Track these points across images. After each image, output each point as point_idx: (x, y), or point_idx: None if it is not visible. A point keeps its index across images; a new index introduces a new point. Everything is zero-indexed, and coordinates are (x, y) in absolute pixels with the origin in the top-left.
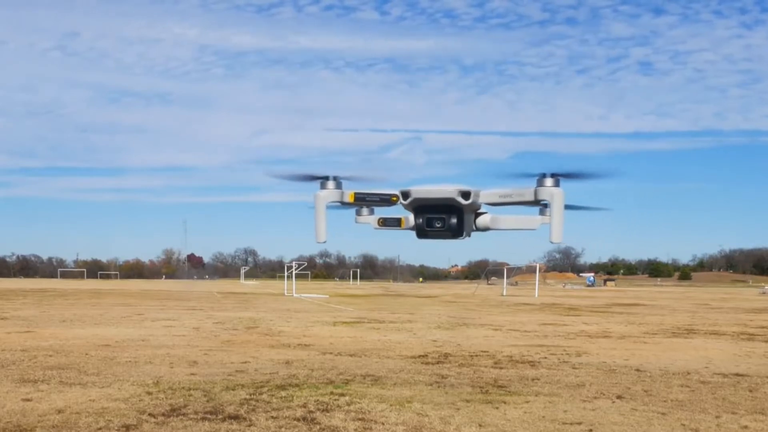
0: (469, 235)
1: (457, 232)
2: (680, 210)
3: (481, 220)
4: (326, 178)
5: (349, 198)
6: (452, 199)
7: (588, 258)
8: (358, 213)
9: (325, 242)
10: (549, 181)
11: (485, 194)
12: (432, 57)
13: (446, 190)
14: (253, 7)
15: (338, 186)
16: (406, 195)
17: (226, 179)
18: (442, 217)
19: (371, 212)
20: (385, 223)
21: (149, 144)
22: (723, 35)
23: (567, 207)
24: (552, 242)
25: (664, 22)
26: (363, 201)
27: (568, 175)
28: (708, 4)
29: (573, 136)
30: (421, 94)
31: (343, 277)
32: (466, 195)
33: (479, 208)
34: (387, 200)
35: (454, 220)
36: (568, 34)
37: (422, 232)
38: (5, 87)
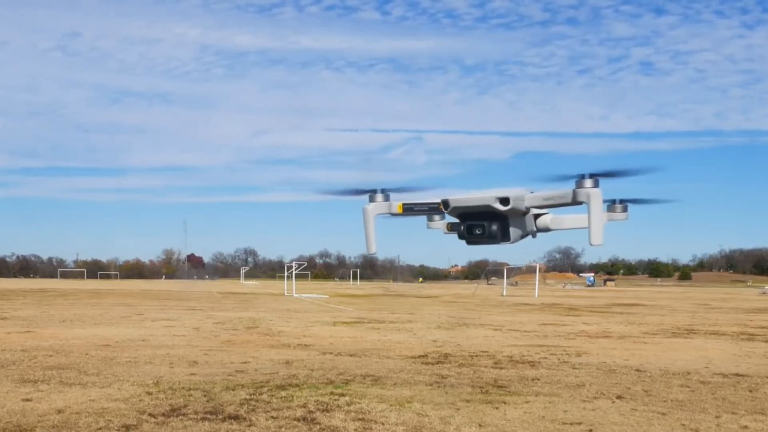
0: (534, 236)
1: (498, 238)
2: (680, 210)
3: (542, 221)
4: (374, 191)
5: (397, 209)
6: (490, 206)
7: (588, 258)
8: (430, 219)
9: (375, 253)
10: (588, 182)
11: (530, 198)
12: (433, 57)
13: (484, 197)
14: (254, 7)
15: (386, 198)
16: (446, 204)
17: (227, 179)
18: (482, 224)
19: (443, 218)
20: (452, 228)
21: (150, 144)
22: (724, 35)
23: (634, 201)
24: (591, 244)
25: (665, 22)
26: (411, 211)
27: (607, 175)
28: (709, 4)
29: (574, 136)
30: (421, 94)
31: (343, 277)
32: (504, 201)
33: (527, 212)
34: (435, 209)
35: (494, 227)
36: (569, 34)
37: (464, 238)
38: (6, 87)
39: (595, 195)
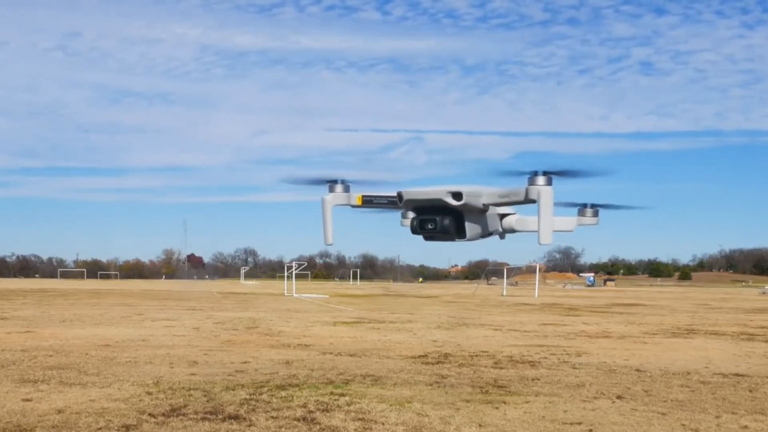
0: (502, 237)
1: (451, 233)
2: (680, 210)
3: (507, 222)
4: (335, 182)
5: (356, 201)
6: (442, 201)
7: (588, 258)
8: (404, 216)
9: (331, 244)
10: (540, 180)
11: (486, 195)
12: (433, 57)
13: (436, 191)
14: (255, 7)
15: (346, 189)
16: (400, 197)
17: (227, 179)
18: (434, 219)
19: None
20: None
21: (150, 144)
22: (724, 35)
23: (605, 206)
24: (540, 244)
25: (666, 22)
26: (371, 203)
27: (562, 173)
28: (709, 5)
29: (574, 136)
30: (422, 94)
31: (343, 277)
32: (457, 196)
33: (486, 209)
34: (394, 202)
35: (447, 222)
36: (569, 34)
37: (416, 232)
38: (6, 87)
39: (545, 193)
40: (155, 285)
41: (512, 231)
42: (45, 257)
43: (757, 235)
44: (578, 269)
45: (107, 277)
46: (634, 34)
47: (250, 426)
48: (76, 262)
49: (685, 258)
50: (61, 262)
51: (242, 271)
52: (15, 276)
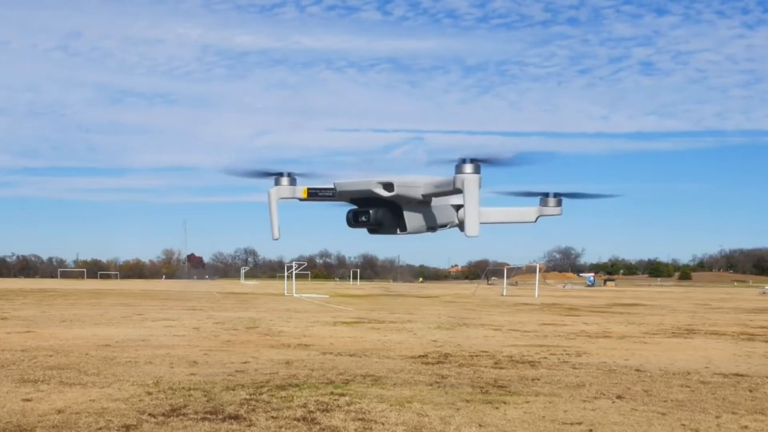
0: (462, 229)
1: (385, 225)
2: (680, 210)
3: (462, 214)
4: (280, 175)
5: (302, 194)
6: (371, 191)
7: (588, 258)
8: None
9: (278, 239)
10: (467, 167)
11: (424, 185)
12: (434, 57)
13: (365, 182)
14: (256, 7)
15: (292, 182)
16: (334, 189)
17: (227, 179)
18: (367, 211)
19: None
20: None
21: (151, 144)
22: (725, 35)
23: (574, 196)
24: (467, 236)
25: (666, 22)
26: (315, 196)
27: (488, 161)
28: (710, 4)
29: (575, 136)
30: (423, 94)
31: (343, 277)
32: (388, 186)
33: (428, 200)
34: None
35: (380, 214)
36: (570, 34)
37: (350, 225)
38: (8, 87)
39: (469, 181)
40: (155, 285)
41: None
42: (45, 257)
43: (757, 235)
44: (578, 269)
45: (107, 277)
46: (634, 34)
47: (250, 426)
48: (76, 262)
49: (685, 258)
50: (61, 262)
51: (242, 271)
52: (15, 276)
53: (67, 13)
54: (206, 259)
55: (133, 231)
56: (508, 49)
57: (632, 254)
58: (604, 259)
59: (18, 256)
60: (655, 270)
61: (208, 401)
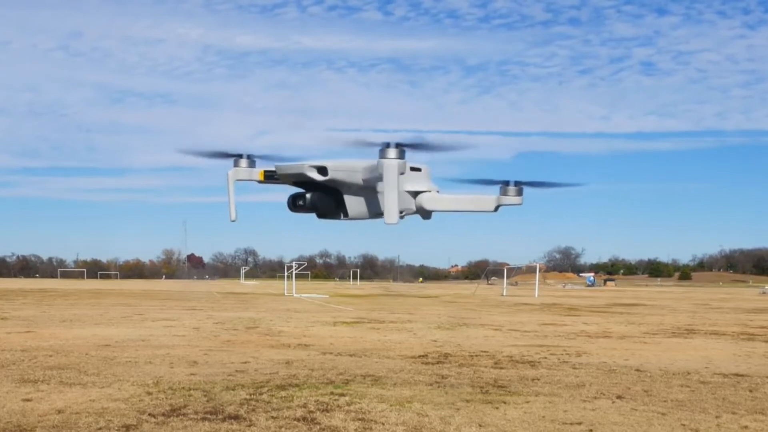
0: (425, 216)
1: (328, 211)
2: (680, 210)
3: (419, 201)
4: (240, 156)
5: (258, 176)
6: (305, 175)
7: (588, 258)
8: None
9: (234, 221)
10: (391, 152)
11: (362, 168)
12: (435, 57)
13: (299, 165)
14: (257, 7)
15: (251, 164)
16: (274, 172)
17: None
18: (304, 195)
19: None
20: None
21: (151, 144)
22: (726, 35)
23: (535, 184)
24: (385, 223)
25: (667, 23)
26: (272, 179)
27: (414, 146)
28: (711, 5)
29: (575, 136)
30: (423, 94)
31: (343, 277)
32: (322, 170)
33: (372, 185)
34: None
35: (316, 197)
36: (571, 34)
37: (290, 209)
38: (8, 87)
39: (388, 167)
40: (155, 285)
41: (424, 210)
42: (45, 257)
43: (757, 235)
44: (578, 269)
45: (107, 277)
46: (635, 35)
47: (250, 426)
48: (76, 262)
49: (685, 258)
50: (61, 262)
51: (242, 271)
52: (15, 276)
53: (67, 13)
54: (206, 259)
55: (133, 231)
56: (509, 49)
57: (632, 254)
58: (604, 259)
59: (18, 256)
60: (655, 270)
61: (208, 401)
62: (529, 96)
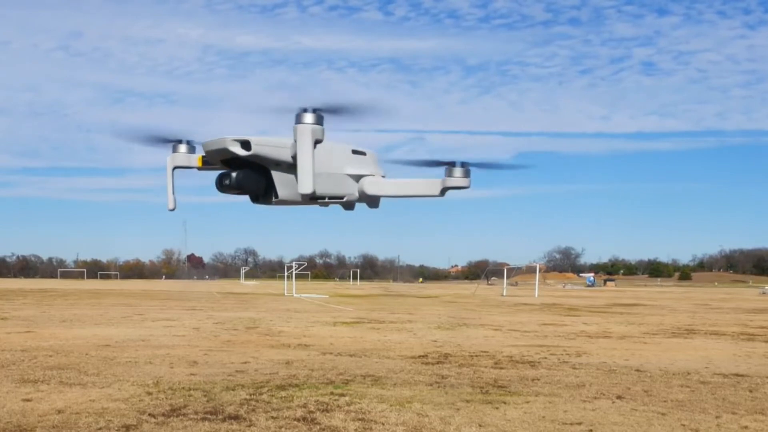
0: (372, 205)
1: (255, 191)
2: (680, 210)
3: (360, 185)
4: (179, 142)
5: (197, 162)
6: (228, 151)
7: (588, 258)
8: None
9: (173, 209)
10: (307, 117)
11: (291, 144)
12: (435, 57)
13: (221, 139)
14: (257, 7)
15: (191, 150)
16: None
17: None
18: (230, 174)
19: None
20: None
21: None
22: (726, 35)
23: (482, 166)
24: (299, 192)
25: (668, 23)
26: (209, 164)
27: (331, 110)
28: (711, 5)
29: (576, 136)
30: (423, 94)
31: (343, 278)
32: (245, 145)
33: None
34: (227, 162)
35: (242, 176)
36: (571, 34)
37: (218, 189)
38: (8, 87)
39: (301, 132)
40: (155, 285)
41: (367, 195)
42: (45, 257)
43: (757, 235)
44: (578, 269)
45: (107, 277)
46: (635, 35)
47: (250, 426)
48: (76, 262)
49: (685, 258)
50: (61, 262)
51: (242, 271)
52: (15, 276)
53: (67, 13)
54: (206, 259)
55: (133, 231)
56: (509, 49)
57: (632, 254)
58: (604, 260)
59: (18, 256)
60: (655, 270)
61: (208, 401)
62: (530, 96)
